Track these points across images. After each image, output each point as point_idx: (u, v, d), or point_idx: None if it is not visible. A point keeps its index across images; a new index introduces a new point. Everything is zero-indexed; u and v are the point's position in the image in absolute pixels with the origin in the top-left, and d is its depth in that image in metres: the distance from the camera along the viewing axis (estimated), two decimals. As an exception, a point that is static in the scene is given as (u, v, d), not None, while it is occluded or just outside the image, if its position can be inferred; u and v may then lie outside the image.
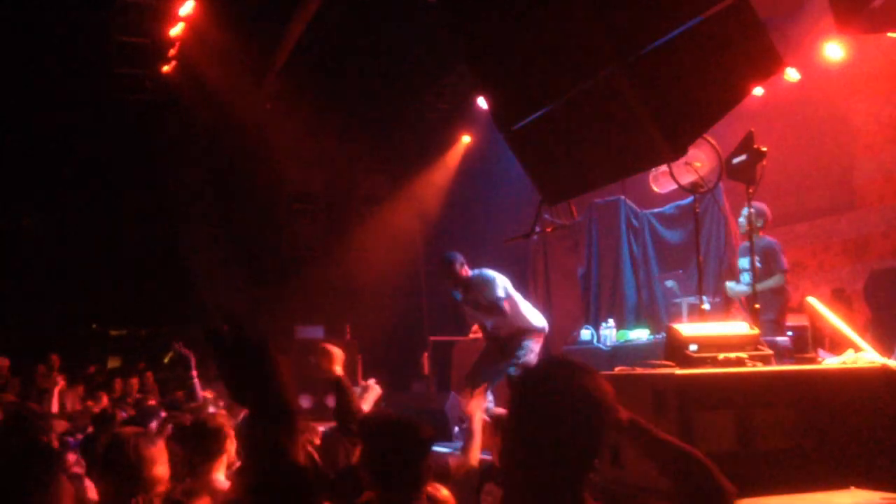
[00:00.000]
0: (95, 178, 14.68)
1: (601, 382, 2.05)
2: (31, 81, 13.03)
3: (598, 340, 8.33)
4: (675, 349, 4.76)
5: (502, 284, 7.61)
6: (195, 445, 4.09)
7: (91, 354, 14.17)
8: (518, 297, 7.72)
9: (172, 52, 12.15)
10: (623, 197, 9.06)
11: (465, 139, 13.96)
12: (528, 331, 7.62)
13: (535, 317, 7.69)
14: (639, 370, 4.71)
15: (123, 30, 11.83)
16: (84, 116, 13.88)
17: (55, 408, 7.51)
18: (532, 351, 7.57)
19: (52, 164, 14.33)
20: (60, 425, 5.97)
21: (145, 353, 14.40)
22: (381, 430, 3.17)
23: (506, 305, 7.54)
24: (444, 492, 3.80)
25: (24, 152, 13.95)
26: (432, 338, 12.49)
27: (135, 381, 12.24)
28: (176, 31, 11.48)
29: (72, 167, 14.45)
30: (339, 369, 4.75)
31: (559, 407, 1.96)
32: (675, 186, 6.13)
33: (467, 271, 7.71)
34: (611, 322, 8.35)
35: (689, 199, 7.61)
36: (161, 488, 2.99)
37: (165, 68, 12.59)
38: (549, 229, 7.81)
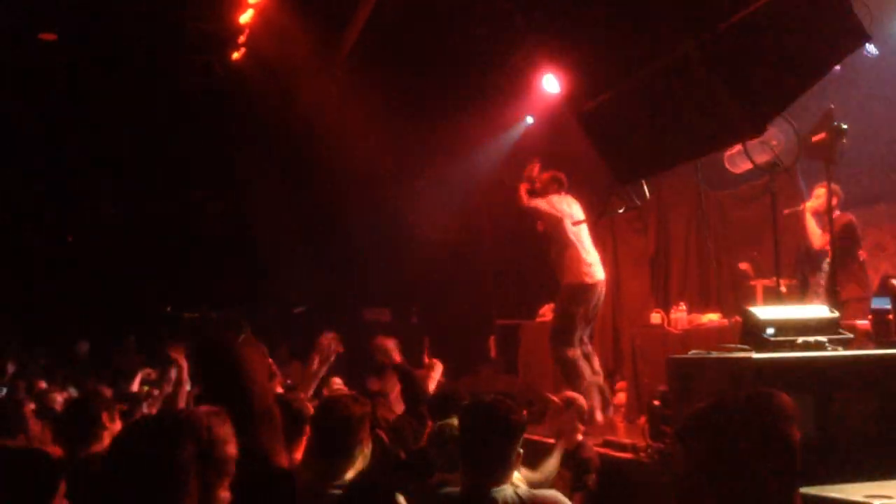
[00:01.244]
0: (167, 163, 15.00)
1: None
2: (104, 71, 13.35)
3: (670, 324, 8.21)
4: (751, 333, 4.66)
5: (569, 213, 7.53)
6: None
7: (164, 336, 14.50)
8: (578, 239, 7.47)
9: (242, 38, 12.31)
10: (695, 177, 8.87)
11: (529, 120, 13.85)
12: (567, 286, 7.44)
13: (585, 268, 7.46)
14: (714, 354, 4.63)
15: (194, 17, 12.03)
16: (155, 103, 14.18)
17: (135, 388, 7.74)
18: (570, 301, 7.42)
19: (125, 150, 14.69)
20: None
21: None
22: (476, 414, 3.15)
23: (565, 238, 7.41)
24: (523, 471, 3.79)
25: (99, 140, 14.33)
26: (499, 321, 12.48)
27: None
28: (245, 17, 11.62)
29: (144, 153, 14.79)
30: (396, 356, 4.84)
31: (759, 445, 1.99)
32: (750, 166, 5.97)
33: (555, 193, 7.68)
34: (682, 305, 8.21)
35: (765, 178, 7.43)
36: (233, 467, 3.02)
37: (235, 55, 12.76)
38: (620, 211, 7.70)
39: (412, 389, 4.76)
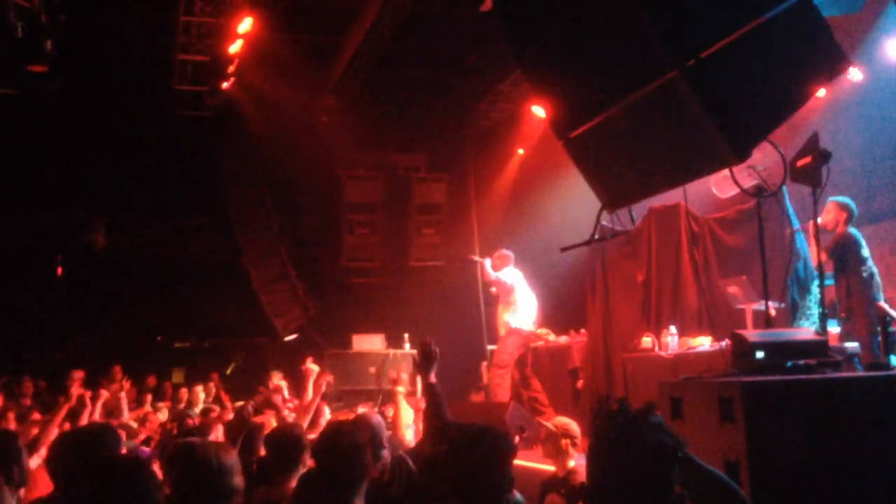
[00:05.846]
0: (158, 192, 15.01)
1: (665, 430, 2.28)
2: (98, 102, 13.40)
3: (660, 348, 8.22)
4: (740, 356, 4.68)
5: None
6: (274, 455, 4.12)
7: (155, 367, 14.44)
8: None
9: (231, 68, 12.38)
10: (683, 202, 8.92)
11: (520, 151, 13.93)
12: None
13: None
14: (704, 377, 4.63)
15: (184, 48, 12.11)
16: (147, 133, 14.24)
17: (124, 419, 7.67)
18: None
19: (117, 179, 14.70)
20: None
21: (209, 365, 14.64)
22: (467, 440, 3.11)
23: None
24: (518, 496, 3.76)
25: (91, 169, 14.34)
26: (490, 347, 12.46)
27: (198, 391, 12.43)
28: (235, 48, 11.69)
29: (136, 182, 14.81)
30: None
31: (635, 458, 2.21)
32: (737, 190, 6.02)
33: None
34: (672, 329, 8.22)
35: (752, 202, 7.48)
36: (239, 499, 3.01)
37: (225, 84, 12.83)
38: (608, 236, 7.75)
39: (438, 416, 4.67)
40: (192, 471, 2.99)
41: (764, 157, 5.87)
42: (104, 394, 7.09)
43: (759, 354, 4.55)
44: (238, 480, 3.05)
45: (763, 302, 6.16)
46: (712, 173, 5.48)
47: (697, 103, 3.91)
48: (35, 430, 6.08)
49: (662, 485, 2.19)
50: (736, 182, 5.62)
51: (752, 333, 4.86)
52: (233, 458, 3.10)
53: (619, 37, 4.21)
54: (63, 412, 5.82)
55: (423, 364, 4.39)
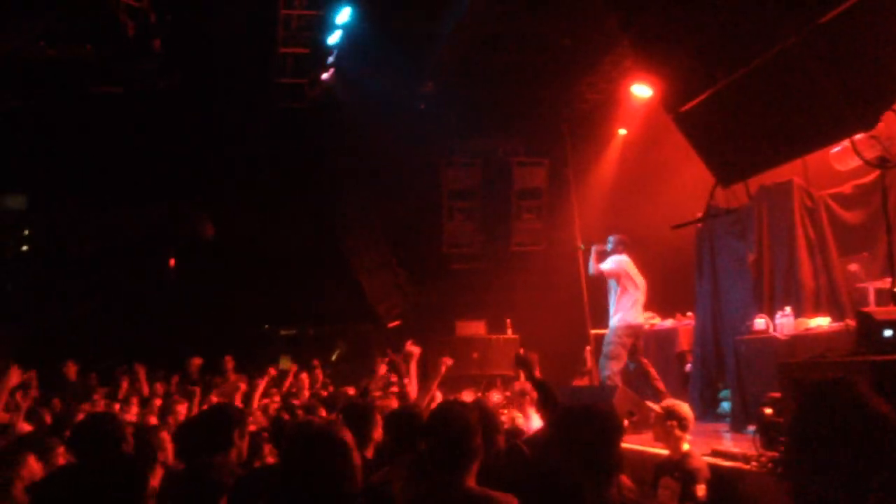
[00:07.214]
0: (262, 184, 15.38)
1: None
2: (202, 97, 13.79)
3: (775, 330, 7.92)
4: (867, 335, 4.47)
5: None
6: (391, 435, 4.18)
7: (264, 354, 14.83)
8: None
9: (331, 59, 12.56)
10: (795, 178, 8.56)
11: (622, 132, 13.68)
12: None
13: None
14: (829, 358, 4.45)
15: (285, 42, 12.35)
16: (249, 126, 14.59)
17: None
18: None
19: (222, 172, 15.13)
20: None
21: (316, 351, 14.93)
22: (575, 419, 3.10)
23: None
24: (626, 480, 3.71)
25: (196, 162, 14.79)
26: (594, 331, 12.30)
27: (305, 377, 12.70)
28: (334, 38, 11.85)
29: (240, 174, 15.21)
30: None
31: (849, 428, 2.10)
32: (858, 163, 5.74)
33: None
34: (787, 310, 7.91)
35: (871, 177, 7.12)
36: (358, 477, 3.04)
37: (325, 76, 13.03)
38: (722, 213, 7.52)
39: (547, 402, 4.70)
40: (311, 448, 3.02)
41: (885, 128, 5.58)
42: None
43: (888, 333, 4.33)
44: (355, 457, 3.07)
45: (887, 279, 5.87)
46: (837, 143, 5.25)
47: (819, 70, 3.74)
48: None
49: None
50: (857, 153, 5.37)
51: (879, 311, 4.62)
52: (349, 436, 3.11)
53: (734, 6, 4.06)
54: (197, 399, 6.14)
55: (522, 368, 4.59)
